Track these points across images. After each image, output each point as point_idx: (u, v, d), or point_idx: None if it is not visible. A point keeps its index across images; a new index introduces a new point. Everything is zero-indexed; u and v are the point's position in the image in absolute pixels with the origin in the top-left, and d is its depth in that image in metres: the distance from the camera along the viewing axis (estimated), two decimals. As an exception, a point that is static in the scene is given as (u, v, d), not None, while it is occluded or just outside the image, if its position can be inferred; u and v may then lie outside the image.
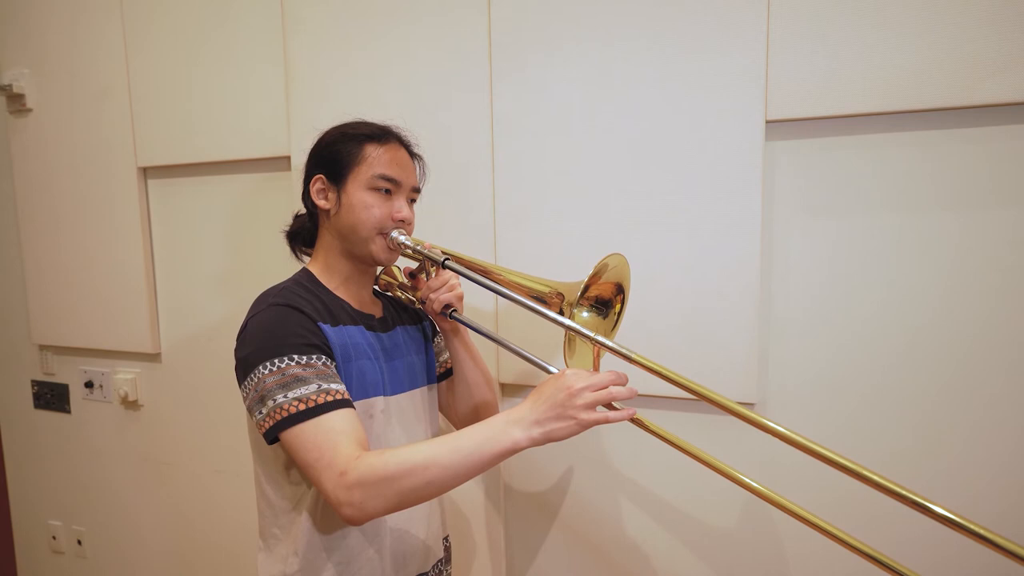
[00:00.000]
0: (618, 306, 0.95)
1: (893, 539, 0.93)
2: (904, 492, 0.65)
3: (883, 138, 1.05)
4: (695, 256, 1.13)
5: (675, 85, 1.12)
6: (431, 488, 0.75)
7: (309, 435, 0.78)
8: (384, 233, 0.93)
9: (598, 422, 0.75)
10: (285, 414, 0.79)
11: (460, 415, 1.11)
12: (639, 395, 0.81)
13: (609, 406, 0.79)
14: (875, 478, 0.67)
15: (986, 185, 1.01)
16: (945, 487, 1.05)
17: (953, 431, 1.05)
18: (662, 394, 1.13)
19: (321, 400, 0.79)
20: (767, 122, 1.08)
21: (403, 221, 0.94)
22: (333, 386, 0.81)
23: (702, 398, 0.76)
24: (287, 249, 1.04)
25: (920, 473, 1.06)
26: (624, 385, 0.78)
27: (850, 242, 1.08)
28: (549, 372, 0.87)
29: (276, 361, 0.81)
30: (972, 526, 0.62)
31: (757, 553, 1.18)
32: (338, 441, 0.77)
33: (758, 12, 1.06)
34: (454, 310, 1.00)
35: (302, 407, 0.78)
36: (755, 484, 0.80)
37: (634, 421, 0.81)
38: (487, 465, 0.75)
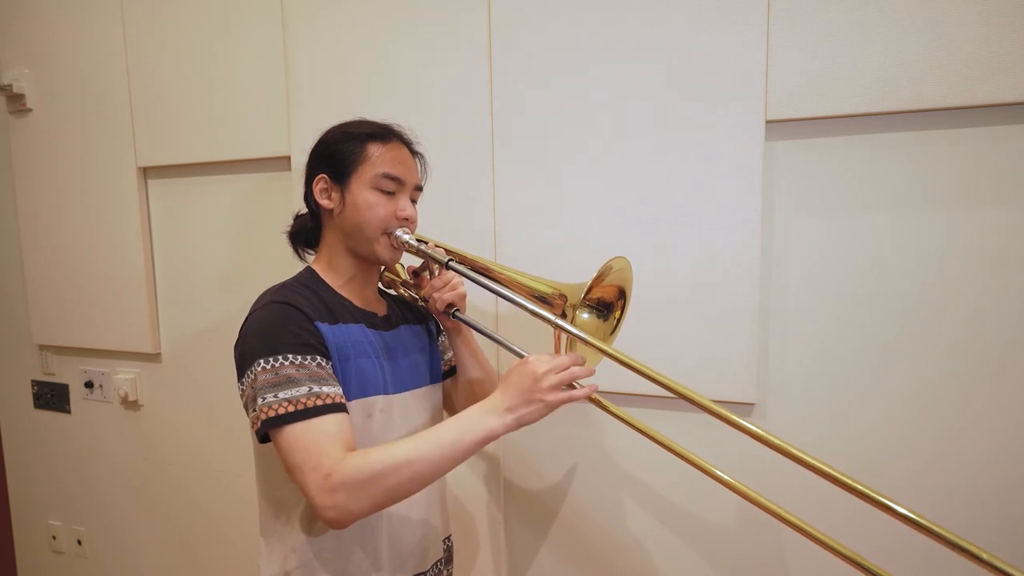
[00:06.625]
0: (618, 312, 0.96)
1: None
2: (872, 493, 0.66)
3: (883, 138, 1.05)
4: (695, 256, 1.13)
5: (675, 85, 1.12)
6: (415, 483, 0.77)
7: (297, 437, 0.78)
8: (388, 232, 0.93)
9: (563, 401, 0.80)
10: (273, 414, 0.78)
11: None
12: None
13: (571, 385, 0.83)
14: (850, 482, 0.67)
15: (986, 185, 1.00)
16: (944, 483, 1.05)
17: (952, 428, 1.05)
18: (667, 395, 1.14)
19: (311, 403, 0.79)
20: (767, 122, 1.08)
21: (407, 219, 0.94)
22: (325, 389, 0.81)
23: (694, 403, 0.77)
24: (287, 249, 1.04)
25: (919, 470, 1.06)
26: (583, 365, 0.82)
27: (850, 242, 1.08)
28: (520, 356, 0.89)
29: (271, 359, 0.81)
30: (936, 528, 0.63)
31: (758, 550, 1.18)
32: (324, 444, 0.77)
33: (758, 12, 1.06)
34: (456, 309, 1.00)
35: (291, 409, 0.78)
36: (726, 477, 0.83)
37: (593, 400, 0.85)
38: (466, 455, 0.79)
